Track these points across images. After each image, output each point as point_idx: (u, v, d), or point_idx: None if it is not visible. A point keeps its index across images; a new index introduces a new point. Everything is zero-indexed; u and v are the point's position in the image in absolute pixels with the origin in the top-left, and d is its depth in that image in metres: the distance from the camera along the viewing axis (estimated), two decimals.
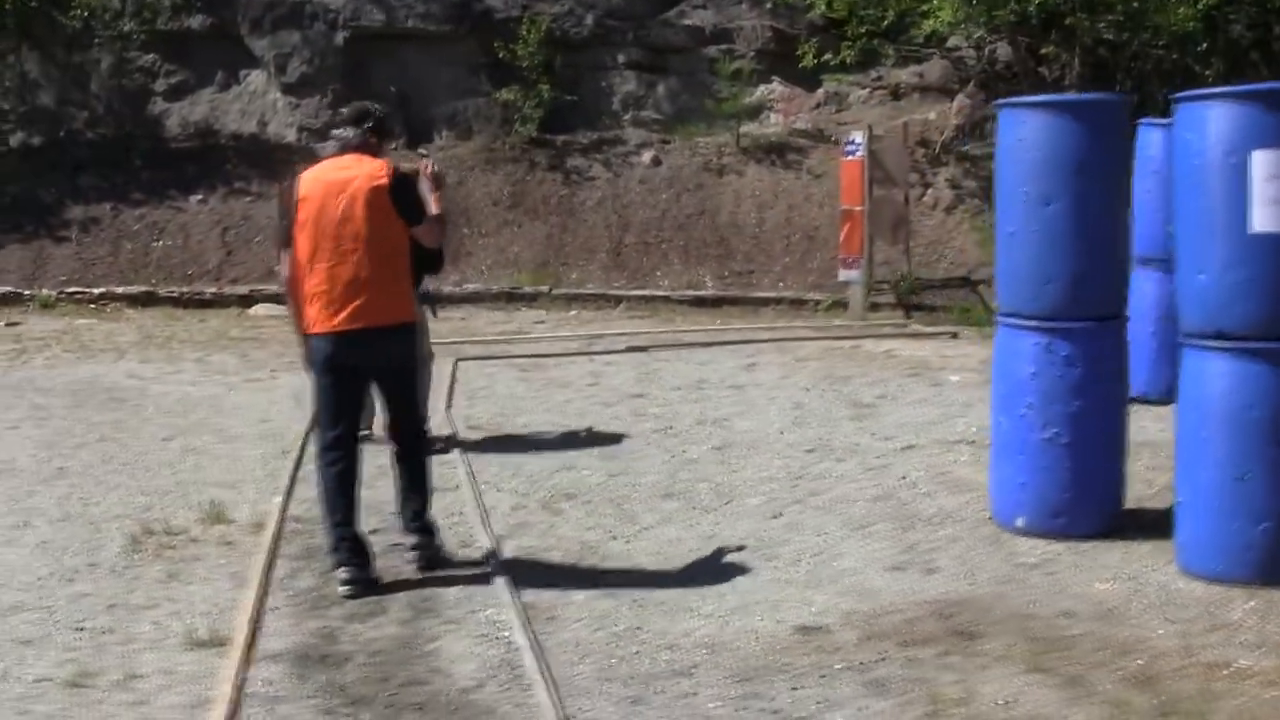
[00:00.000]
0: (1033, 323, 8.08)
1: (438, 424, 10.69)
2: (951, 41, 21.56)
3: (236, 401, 12.35)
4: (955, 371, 13.66)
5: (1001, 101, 8.53)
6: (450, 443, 10.46)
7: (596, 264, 20.02)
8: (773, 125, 22.36)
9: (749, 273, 19.72)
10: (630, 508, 8.78)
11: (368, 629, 6.65)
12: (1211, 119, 7.30)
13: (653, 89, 22.79)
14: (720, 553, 7.83)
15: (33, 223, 20.49)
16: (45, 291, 19.09)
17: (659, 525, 8.39)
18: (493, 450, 10.33)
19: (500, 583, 7.14)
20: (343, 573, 7.16)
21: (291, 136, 22.27)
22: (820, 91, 22.51)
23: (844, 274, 18.07)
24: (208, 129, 22.30)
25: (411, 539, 7.61)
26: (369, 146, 7.52)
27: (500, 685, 5.91)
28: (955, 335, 16.24)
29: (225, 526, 8.40)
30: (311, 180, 7.41)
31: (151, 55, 22.47)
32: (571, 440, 10.71)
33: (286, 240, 7.43)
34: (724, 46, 22.64)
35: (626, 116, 22.61)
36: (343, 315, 7.14)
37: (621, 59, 22.78)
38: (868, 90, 22.48)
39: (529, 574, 7.39)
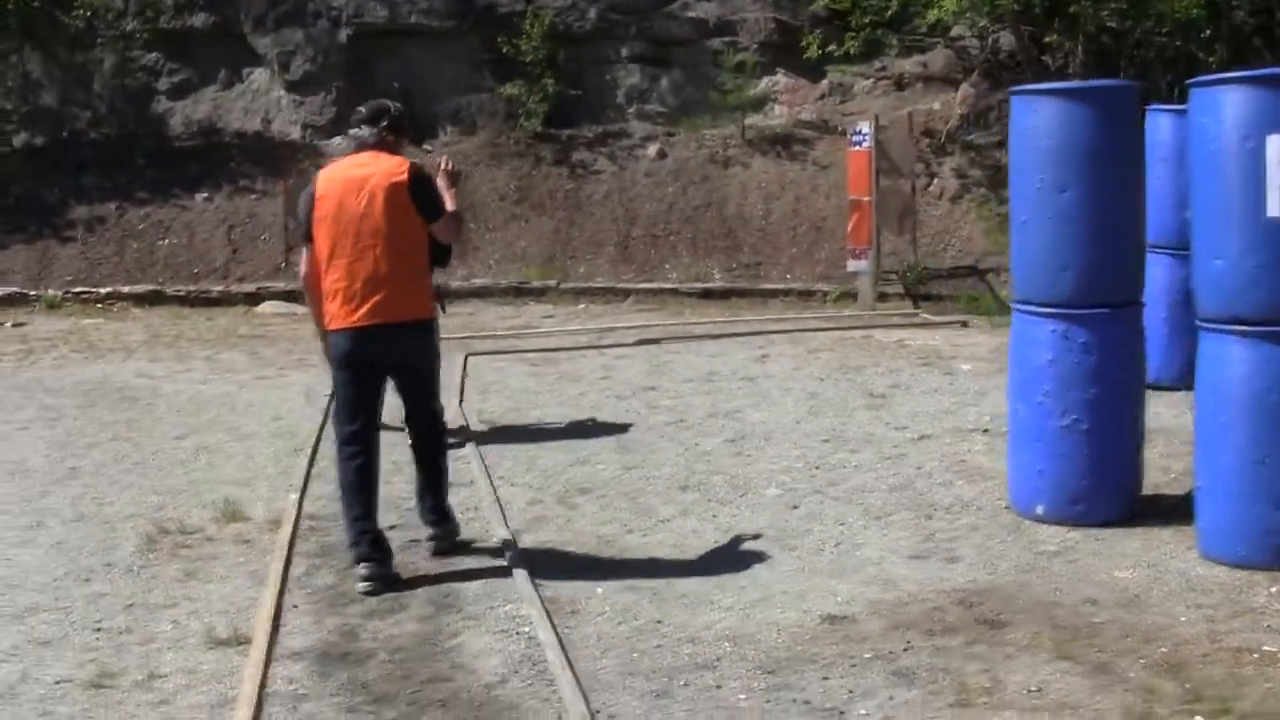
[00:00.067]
0: (1049, 310, 8.05)
1: (450, 418, 10.63)
2: (955, 31, 21.52)
3: (248, 399, 12.32)
4: (966, 360, 13.64)
5: (1014, 89, 8.48)
6: (463, 433, 10.45)
7: (604, 258, 19.98)
8: (777, 117, 22.32)
9: (756, 264, 19.68)
10: (646, 501, 8.75)
11: (388, 626, 6.61)
12: (1227, 104, 7.27)
13: (657, 82, 22.74)
14: (739, 544, 7.80)
15: (37, 223, 20.46)
16: (51, 292, 19.05)
17: (676, 518, 8.36)
18: (506, 445, 10.31)
19: (520, 577, 7.11)
20: (362, 569, 7.14)
21: (296, 134, 22.24)
22: (824, 82, 22.46)
23: (852, 264, 18.03)
24: (211, 127, 22.26)
25: (429, 529, 7.74)
26: (386, 144, 7.51)
27: (524, 681, 5.88)
28: (965, 324, 16.21)
29: (241, 525, 8.37)
30: (330, 178, 7.43)
31: (154, 54, 22.43)
32: (585, 434, 10.67)
33: (305, 237, 7.45)
34: (728, 38, 22.59)
35: (631, 110, 22.57)
36: (362, 311, 7.16)
37: (625, 52, 22.72)
38: (872, 81, 22.43)
39: (547, 568, 7.36)
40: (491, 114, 21.83)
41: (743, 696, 5.68)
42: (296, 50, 22.27)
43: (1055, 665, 5.98)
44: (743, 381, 12.71)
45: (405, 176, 7.27)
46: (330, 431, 10.19)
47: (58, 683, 6.00)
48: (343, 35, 22.29)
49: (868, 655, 6.11)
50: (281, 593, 7.03)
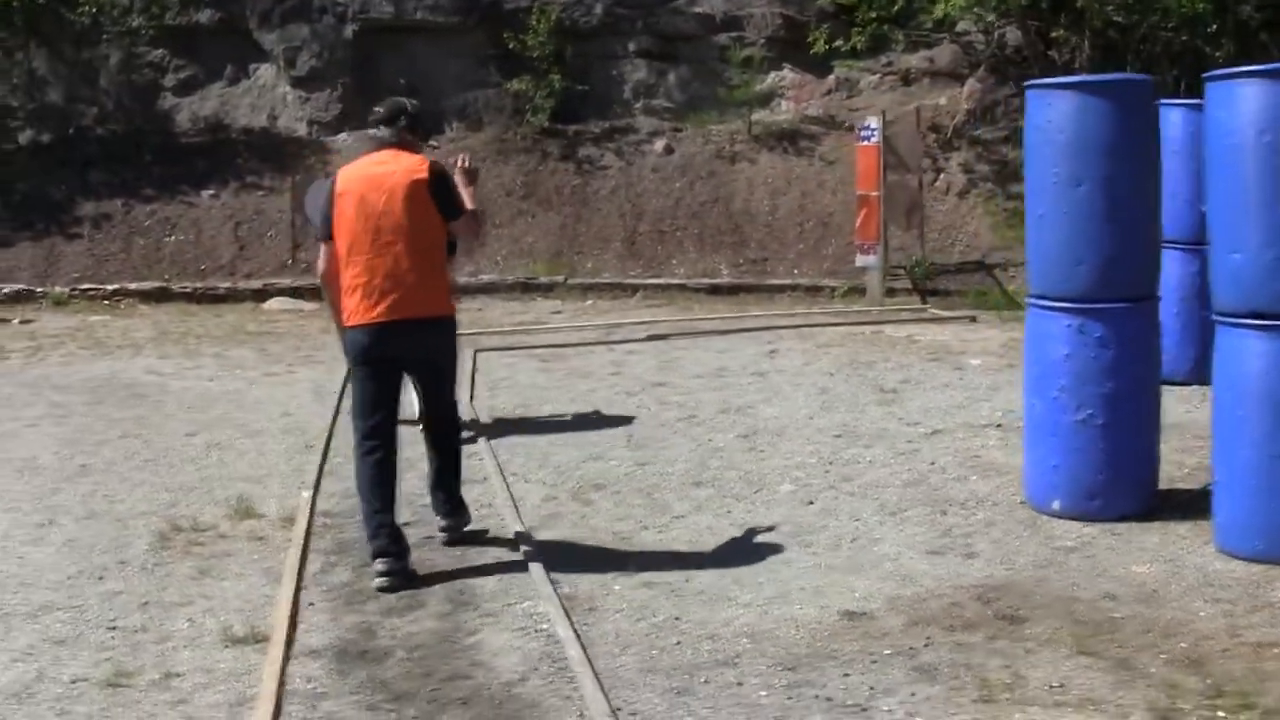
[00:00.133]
0: (1065, 304, 8.02)
1: (460, 413, 10.62)
2: (961, 26, 21.48)
3: (257, 396, 12.30)
4: (976, 355, 13.62)
5: (1029, 83, 8.46)
6: (475, 426, 10.44)
7: (611, 253, 19.96)
8: (784, 112, 22.28)
9: (764, 260, 19.66)
10: (661, 497, 8.73)
11: (406, 623, 6.59)
12: (1244, 98, 7.24)
13: (664, 77, 22.70)
14: (756, 540, 7.78)
15: (43, 220, 20.44)
16: (58, 289, 19.03)
17: (691, 514, 8.34)
18: (518, 441, 10.28)
19: (537, 574, 7.09)
20: (380, 564, 7.13)
21: (302, 130, 22.21)
22: (831, 78, 22.43)
23: (861, 259, 18.00)
24: (218, 124, 22.22)
25: (441, 520, 7.80)
26: (405, 142, 7.53)
27: (544, 678, 5.86)
28: (974, 319, 16.19)
29: (254, 522, 8.34)
30: (350, 175, 7.45)
31: (160, 50, 22.39)
32: (597, 430, 10.65)
33: (325, 234, 7.47)
34: (734, 34, 22.54)
35: (638, 105, 22.53)
36: (381, 307, 7.18)
37: (632, 47, 22.68)
38: (878, 76, 22.40)
39: (564, 565, 7.33)
40: (498, 110, 21.80)
41: (764, 693, 5.65)
42: (302, 46, 22.24)
43: (1076, 661, 5.96)
44: (753, 377, 12.69)
45: (426, 174, 7.29)
46: (341, 428, 10.32)
47: (74, 682, 5.97)
48: (348, 31, 22.26)
49: (888, 651, 6.09)
50: (298, 590, 7.01)
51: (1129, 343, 7.99)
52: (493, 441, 10.11)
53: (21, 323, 17.25)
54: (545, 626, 6.43)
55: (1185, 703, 5.52)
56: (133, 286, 19.14)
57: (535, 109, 21.42)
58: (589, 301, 18.48)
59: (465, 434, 9.34)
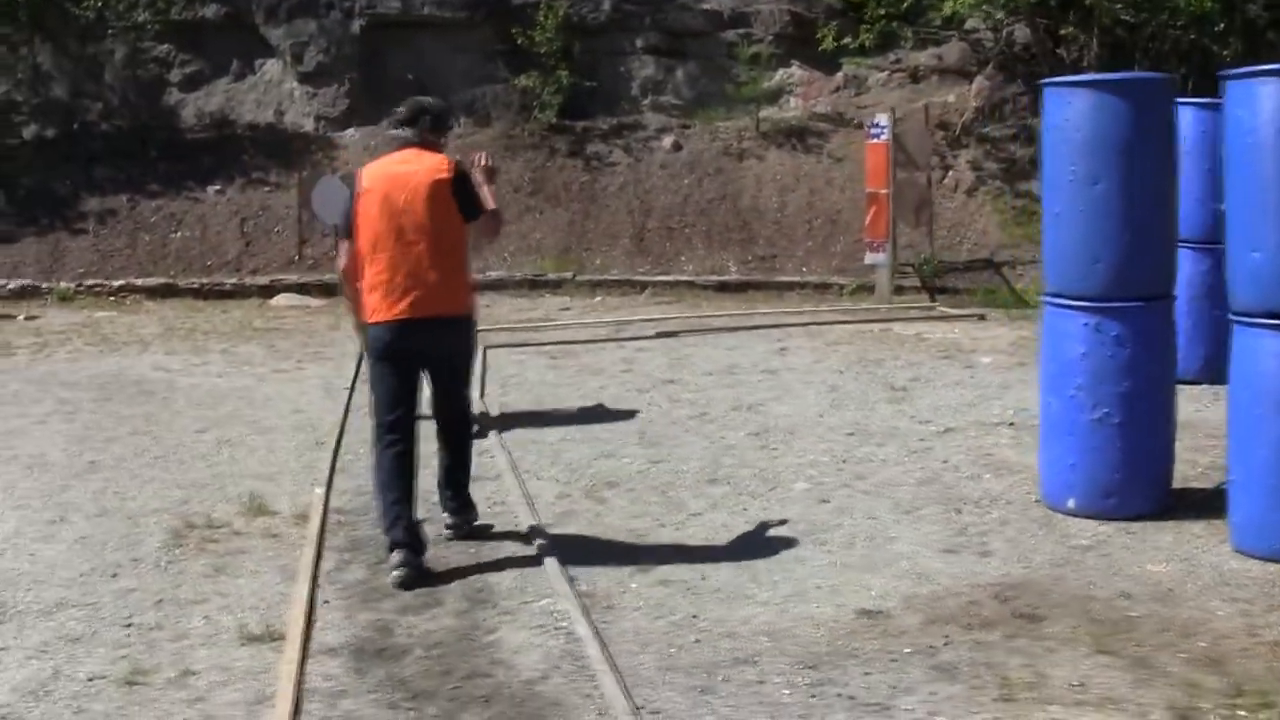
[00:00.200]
0: (1081, 303, 8.00)
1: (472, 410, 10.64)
2: (969, 24, 21.47)
3: (266, 392, 12.27)
4: (986, 353, 13.61)
5: (1047, 81, 8.43)
6: (484, 420, 10.42)
7: (619, 250, 19.94)
8: (792, 109, 22.26)
9: (772, 257, 19.64)
10: (675, 495, 8.71)
11: (423, 621, 6.56)
12: (1264, 96, 7.22)
13: (671, 74, 22.68)
14: (771, 538, 7.76)
15: (48, 215, 20.40)
16: (63, 284, 19.01)
17: (707, 512, 8.32)
18: (530, 438, 10.26)
19: (554, 572, 7.06)
20: (396, 555, 7.13)
21: (309, 126, 22.17)
22: (839, 75, 22.40)
23: (870, 257, 17.99)
24: (224, 119, 22.19)
25: (449, 516, 7.83)
26: (428, 142, 7.56)
27: (565, 676, 5.83)
28: (983, 317, 16.18)
29: (268, 519, 8.31)
30: (374, 173, 7.51)
31: (166, 45, 22.36)
32: (609, 427, 10.62)
33: (347, 231, 7.53)
34: (742, 30, 22.53)
35: (646, 101, 22.51)
36: (403, 305, 7.23)
37: (640, 44, 22.66)
38: (887, 73, 22.38)
39: (580, 563, 7.31)
40: (506, 105, 21.78)
41: (786, 692, 5.63)
42: (309, 41, 22.21)
43: (1096, 660, 5.95)
44: (763, 374, 12.68)
45: (448, 175, 7.35)
46: (351, 425, 10.32)
47: (90, 680, 5.93)
48: (355, 26, 22.24)
49: (907, 650, 6.07)
50: (313, 588, 6.98)
51: (1146, 341, 7.97)
52: (504, 438, 10.09)
53: (27, 319, 17.22)
54: (564, 624, 6.41)
55: (1205, 702, 5.51)
56: (139, 282, 19.11)
57: (543, 105, 21.41)
58: (597, 298, 18.46)
59: (481, 431, 9.37)
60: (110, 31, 22.03)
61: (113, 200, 20.59)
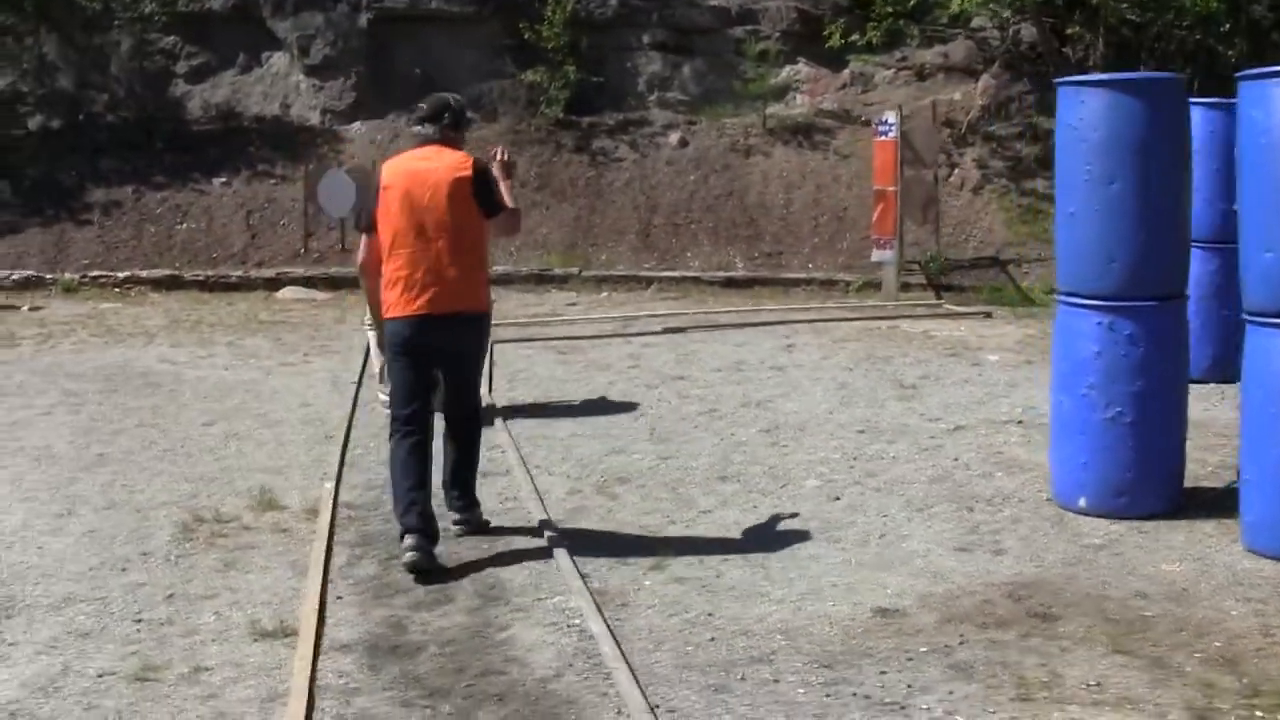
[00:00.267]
0: (1095, 302, 7.97)
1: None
2: (976, 22, 21.50)
3: (273, 386, 12.25)
4: (993, 351, 13.60)
5: (1060, 80, 8.40)
6: (493, 412, 10.41)
7: (625, 245, 19.92)
8: (799, 106, 22.26)
9: (778, 254, 19.63)
10: (686, 491, 8.69)
11: (436, 618, 6.53)
12: (1278, 97, 7.18)
13: (678, 70, 22.67)
14: (784, 536, 7.74)
15: (53, 206, 20.40)
16: (67, 275, 18.99)
17: (718, 509, 8.30)
18: (540, 433, 10.24)
19: (567, 569, 7.05)
20: (409, 539, 7.14)
21: (315, 119, 22.16)
22: (846, 72, 22.39)
23: (877, 254, 17.97)
24: (230, 111, 22.18)
25: (456, 514, 7.81)
26: (449, 139, 7.59)
27: (579, 674, 5.81)
28: (989, 315, 16.16)
29: (277, 513, 8.28)
30: (395, 169, 7.53)
31: (172, 37, 22.36)
32: (618, 423, 10.60)
33: (368, 226, 7.55)
34: (749, 27, 22.54)
35: (652, 97, 22.49)
36: (421, 300, 7.27)
37: (647, 40, 22.66)
38: (893, 71, 22.37)
39: (592, 559, 7.29)
40: (513, 100, 21.78)
41: (802, 691, 5.61)
42: (316, 34, 22.20)
43: (1112, 659, 5.93)
44: (772, 371, 12.66)
45: (469, 172, 7.39)
46: (360, 419, 10.30)
47: (101, 676, 5.90)
48: (363, 20, 22.24)
49: (923, 649, 6.05)
50: (325, 583, 6.95)
51: (1159, 341, 7.95)
52: (514, 433, 10.06)
53: (31, 309, 17.22)
54: (577, 622, 6.39)
55: (1223, 702, 5.49)
56: (144, 274, 19.11)
57: (550, 100, 21.41)
58: (604, 294, 18.43)
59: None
60: (116, 23, 22.03)
61: (118, 192, 20.60)
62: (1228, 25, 19.98)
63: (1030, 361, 12.95)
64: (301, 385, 12.23)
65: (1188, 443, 8.44)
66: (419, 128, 7.68)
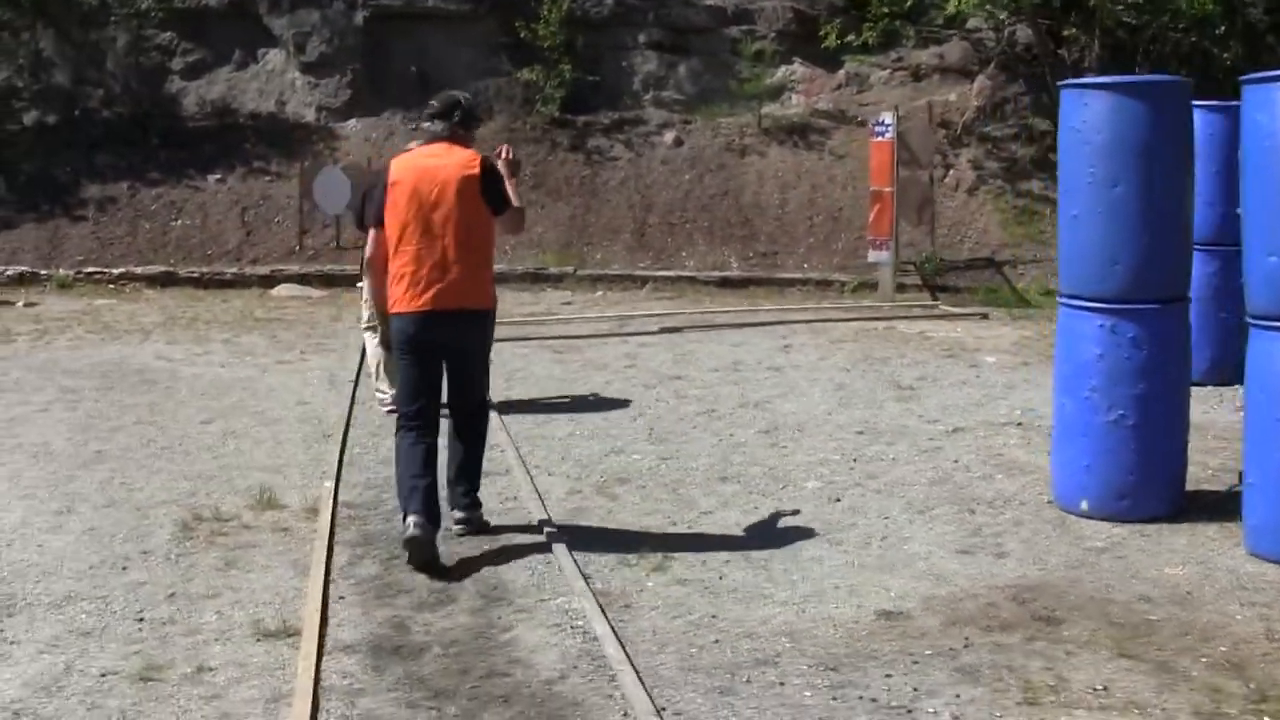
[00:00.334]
0: (1098, 305, 7.96)
1: None
2: (971, 23, 21.50)
3: (270, 384, 12.23)
4: (991, 353, 13.60)
5: (1064, 83, 8.39)
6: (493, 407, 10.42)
7: (620, 244, 19.92)
8: (794, 106, 22.26)
9: (773, 254, 19.63)
10: (686, 492, 8.67)
11: (439, 619, 6.51)
12: None
13: (674, 69, 22.66)
14: (786, 538, 7.72)
15: (48, 202, 20.39)
16: (62, 271, 18.98)
17: (719, 510, 8.28)
18: (538, 433, 10.23)
19: (569, 570, 7.03)
20: (412, 518, 7.16)
21: (310, 116, 22.13)
22: (841, 72, 22.39)
23: (873, 255, 17.97)
24: (225, 108, 22.15)
25: (459, 513, 7.78)
26: (458, 136, 7.63)
27: (584, 676, 5.78)
28: (985, 316, 16.18)
29: (277, 512, 8.25)
30: (404, 165, 7.57)
31: (168, 33, 22.35)
32: (616, 423, 10.59)
33: (376, 221, 7.63)
34: (745, 27, 22.55)
35: (648, 97, 22.48)
36: (427, 296, 7.30)
37: (643, 39, 22.65)
38: (888, 71, 22.37)
39: (595, 561, 7.27)
40: (508, 99, 21.76)
41: (808, 694, 5.59)
42: (312, 31, 22.19)
43: (1117, 663, 5.91)
44: (769, 371, 12.65)
45: (478, 170, 7.44)
46: (358, 418, 10.28)
47: (103, 675, 5.86)
48: (359, 17, 22.22)
49: (928, 652, 6.03)
50: (327, 584, 6.92)
51: (1161, 344, 7.94)
52: (513, 433, 10.04)
53: (26, 305, 17.20)
54: (580, 623, 6.37)
55: (1230, 707, 5.48)
56: (139, 270, 19.10)
57: (545, 99, 21.41)
58: (599, 292, 18.43)
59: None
60: (113, 18, 22.01)
61: (113, 187, 20.59)
62: (1223, 28, 20.01)
63: (1027, 363, 12.96)
64: (298, 383, 12.21)
65: (1189, 446, 8.44)
66: (428, 124, 7.75)
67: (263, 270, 19.19)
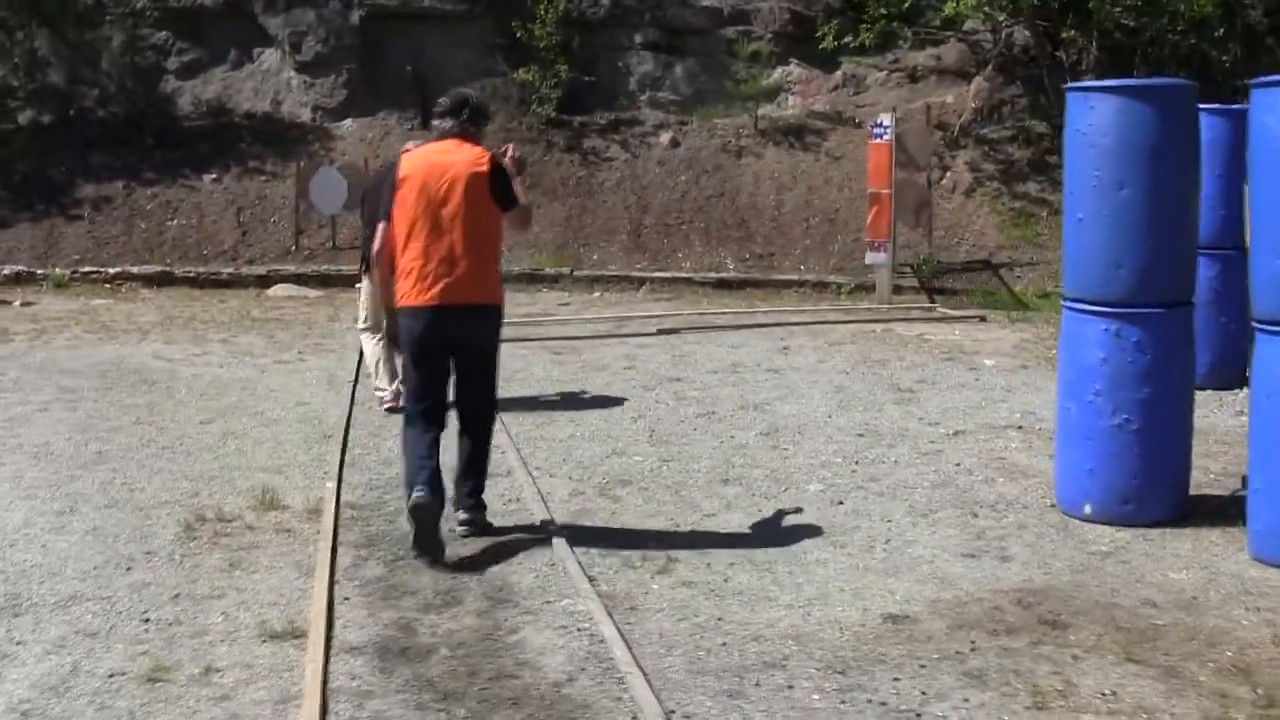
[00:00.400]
0: (1102, 308, 7.96)
1: None
2: (968, 25, 21.51)
3: (270, 384, 12.20)
4: (990, 356, 13.60)
5: (1071, 85, 8.39)
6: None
7: (617, 245, 19.92)
8: (791, 107, 22.27)
9: (770, 255, 19.63)
10: (689, 494, 8.66)
11: (445, 620, 6.50)
12: None
13: (670, 70, 22.66)
14: (790, 540, 7.71)
15: (44, 201, 20.37)
16: (58, 271, 18.94)
17: (721, 512, 8.28)
18: (539, 434, 10.21)
19: (575, 572, 7.02)
20: (418, 490, 7.21)
21: (306, 116, 22.13)
22: (838, 74, 22.41)
23: (871, 257, 17.96)
24: (221, 108, 22.15)
25: (463, 514, 7.78)
26: (468, 134, 7.69)
27: (592, 679, 5.77)
28: (983, 319, 16.17)
29: (279, 513, 8.23)
30: (414, 161, 7.63)
31: (164, 32, 22.34)
32: (617, 424, 10.58)
33: (385, 214, 7.63)
34: (742, 28, 22.56)
35: (644, 97, 22.49)
36: (434, 290, 7.34)
37: (639, 39, 22.66)
38: (885, 73, 22.38)
39: (599, 563, 7.26)
40: (505, 99, 21.74)
41: (816, 697, 5.59)
42: (308, 31, 22.17)
43: (1124, 668, 5.91)
44: (768, 373, 12.65)
45: (486, 167, 7.49)
46: (358, 419, 10.26)
47: (111, 676, 5.84)
48: (355, 17, 22.21)
49: (935, 656, 6.03)
50: (331, 585, 6.91)
51: (1165, 348, 7.94)
52: (513, 434, 10.03)
53: (23, 305, 17.16)
54: (587, 625, 6.36)
55: (1239, 712, 5.49)
56: (134, 270, 19.08)
57: (541, 99, 21.41)
58: (595, 293, 18.43)
59: None
60: (108, 18, 21.99)
61: (109, 187, 20.57)
62: (1222, 30, 20.02)
63: (1026, 366, 12.97)
64: (297, 384, 12.19)
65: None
66: (438, 122, 7.77)
67: (259, 270, 19.18)
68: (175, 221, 20.19)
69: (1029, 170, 20.27)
